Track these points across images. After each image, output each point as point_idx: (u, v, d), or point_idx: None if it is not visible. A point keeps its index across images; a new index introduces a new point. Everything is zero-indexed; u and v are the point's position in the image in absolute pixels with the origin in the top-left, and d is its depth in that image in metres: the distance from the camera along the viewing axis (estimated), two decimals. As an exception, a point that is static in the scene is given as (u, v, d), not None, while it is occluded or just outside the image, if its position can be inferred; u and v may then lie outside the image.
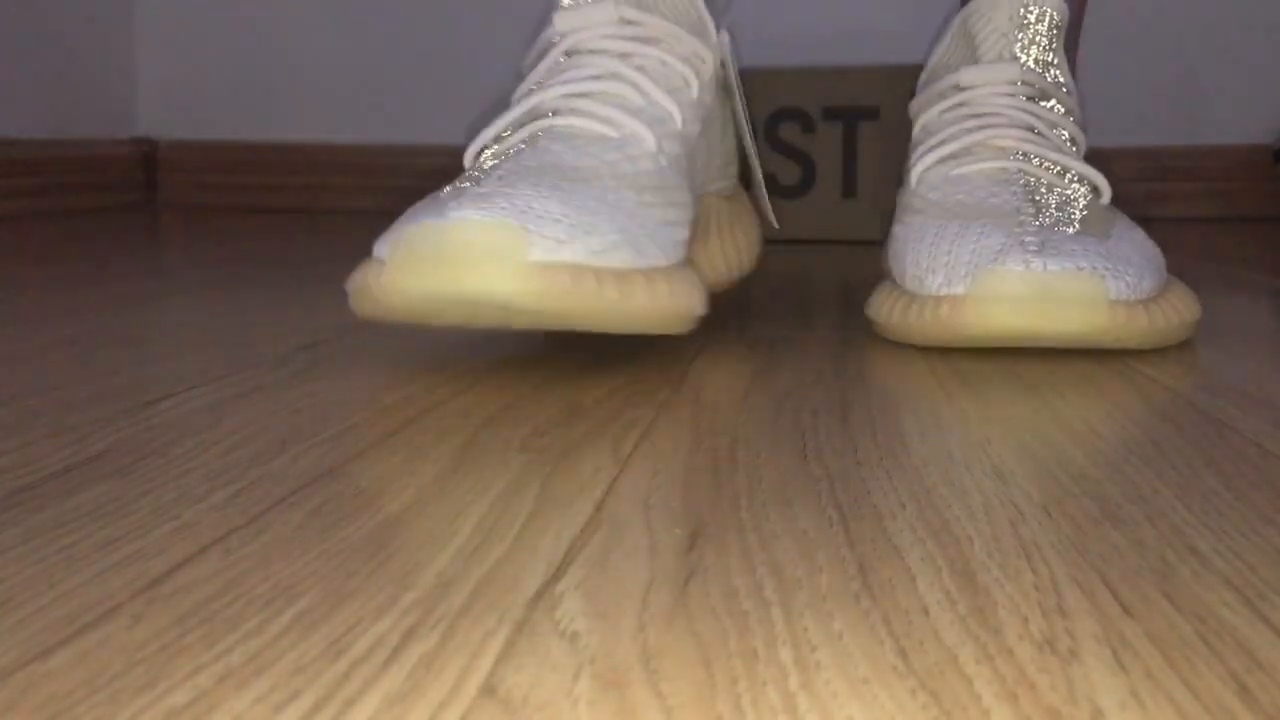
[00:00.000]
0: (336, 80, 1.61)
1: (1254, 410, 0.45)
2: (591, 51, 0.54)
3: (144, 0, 1.63)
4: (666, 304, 0.46)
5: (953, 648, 0.24)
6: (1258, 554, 0.29)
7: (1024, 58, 0.60)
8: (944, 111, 0.60)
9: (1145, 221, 0.65)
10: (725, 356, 0.56)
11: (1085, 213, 0.55)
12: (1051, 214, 0.54)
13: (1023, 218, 0.53)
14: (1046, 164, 0.56)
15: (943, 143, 0.58)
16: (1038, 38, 0.60)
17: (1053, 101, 0.60)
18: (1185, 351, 0.57)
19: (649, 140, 0.51)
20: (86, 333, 0.59)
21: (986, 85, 0.59)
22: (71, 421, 0.41)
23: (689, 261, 0.51)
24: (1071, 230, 0.53)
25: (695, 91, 0.55)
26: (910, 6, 1.42)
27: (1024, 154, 0.57)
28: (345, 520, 0.31)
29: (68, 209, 1.45)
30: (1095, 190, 0.57)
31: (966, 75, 0.60)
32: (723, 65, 0.59)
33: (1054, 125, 0.59)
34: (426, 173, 1.56)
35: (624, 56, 0.54)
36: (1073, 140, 0.59)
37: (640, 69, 0.54)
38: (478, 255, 0.42)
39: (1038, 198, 0.55)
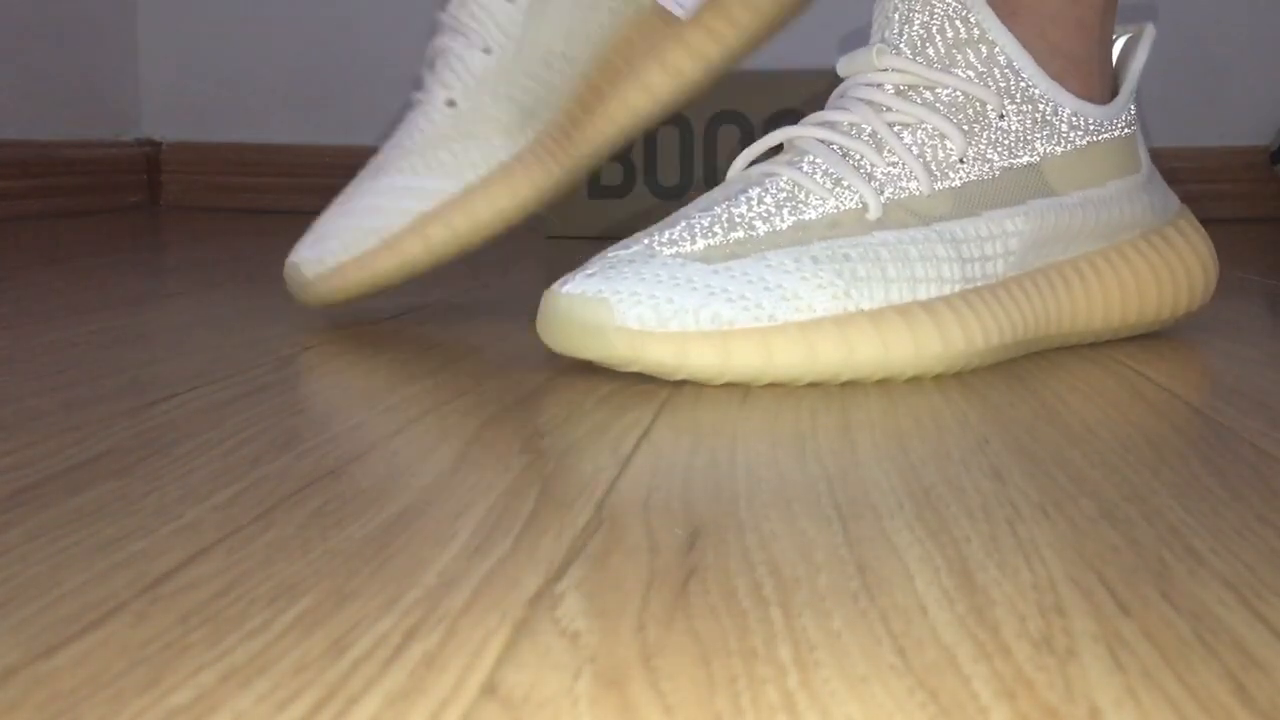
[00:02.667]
0: (339, 83, 1.61)
1: (1251, 411, 0.45)
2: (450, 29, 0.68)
3: (147, 2, 1.63)
4: None
5: (951, 646, 0.24)
6: (1254, 553, 0.29)
7: (900, 40, 0.53)
8: (831, 99, 0.56)
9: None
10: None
11: (786, 225, 0.50)
12: (720, 230, 0.49)
13: (668, 231, 0.50)
14: (819, 174, 0.51)
15: (764, 140, 0.55)
16: (949, 14, 0.53)
17: (949, 90, 0.52)
18: (1182, 352, 0.57)
19: (439, 94, 0.66)
20: (89, 333, 0.59)
21: (849, 75, 0.55)
22: (74, 421, 0.41)
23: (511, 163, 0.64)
24: (719, 239, 0.49)
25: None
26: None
27: (804, 159, 0.52)
28: (347, 520, 0.31)
29: (70, 210, 1.46)
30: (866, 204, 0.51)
31: (840, 63, 0.56)
32: None
33: (895, 126, 0.52)
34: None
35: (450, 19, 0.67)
36: (941, 135, 0.52)
37: (454, 29, 0.67)
38: None
39: (735, 209, 0.50)
